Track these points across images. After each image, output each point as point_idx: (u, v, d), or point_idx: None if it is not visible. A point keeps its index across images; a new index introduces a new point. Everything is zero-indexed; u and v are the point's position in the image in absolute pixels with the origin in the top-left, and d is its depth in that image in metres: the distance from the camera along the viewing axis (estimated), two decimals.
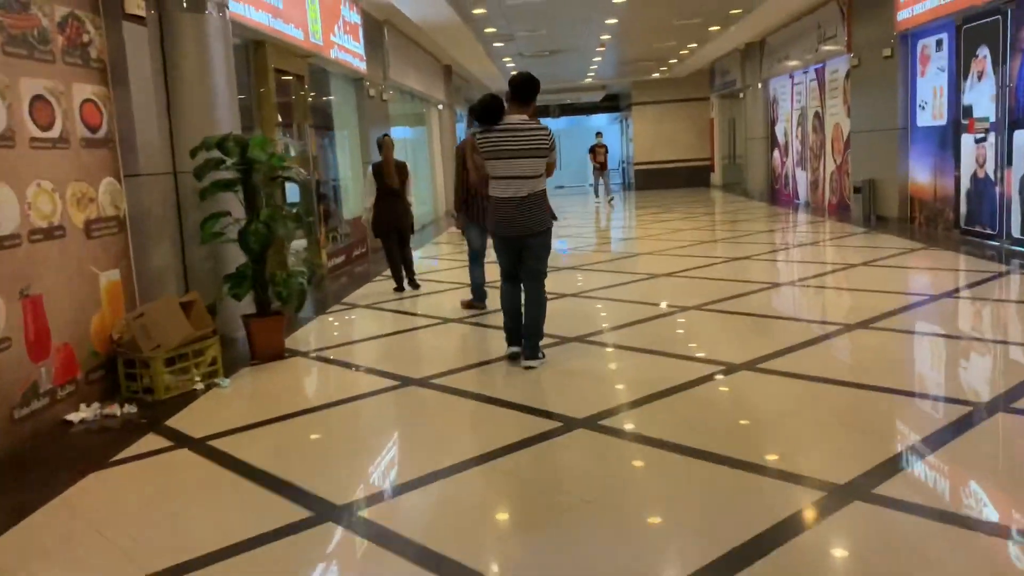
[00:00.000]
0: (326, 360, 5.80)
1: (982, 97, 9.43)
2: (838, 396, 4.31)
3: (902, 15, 11.15)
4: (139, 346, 4.87)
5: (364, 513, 3.21)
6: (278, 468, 3.68)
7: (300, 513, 3.20)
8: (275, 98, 8.33)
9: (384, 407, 4.69)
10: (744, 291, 7.34)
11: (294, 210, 6.25)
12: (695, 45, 19.07)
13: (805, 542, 2.76)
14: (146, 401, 4.86)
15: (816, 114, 15.56)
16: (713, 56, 21.56)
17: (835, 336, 5.57)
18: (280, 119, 8.66)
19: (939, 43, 10.51)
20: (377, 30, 12.80)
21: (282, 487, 3.47)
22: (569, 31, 16.00)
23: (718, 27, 16.49)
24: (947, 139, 10.40)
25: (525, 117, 5.09)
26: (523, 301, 5.27)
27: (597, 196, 22.26)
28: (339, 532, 3.05)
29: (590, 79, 25.35)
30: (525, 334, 5.19)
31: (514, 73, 5.34)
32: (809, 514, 2.96)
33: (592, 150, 22.58)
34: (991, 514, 2.94)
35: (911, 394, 4.36)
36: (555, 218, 5.38)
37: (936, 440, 3.59)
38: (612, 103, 31.74)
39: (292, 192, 8.56)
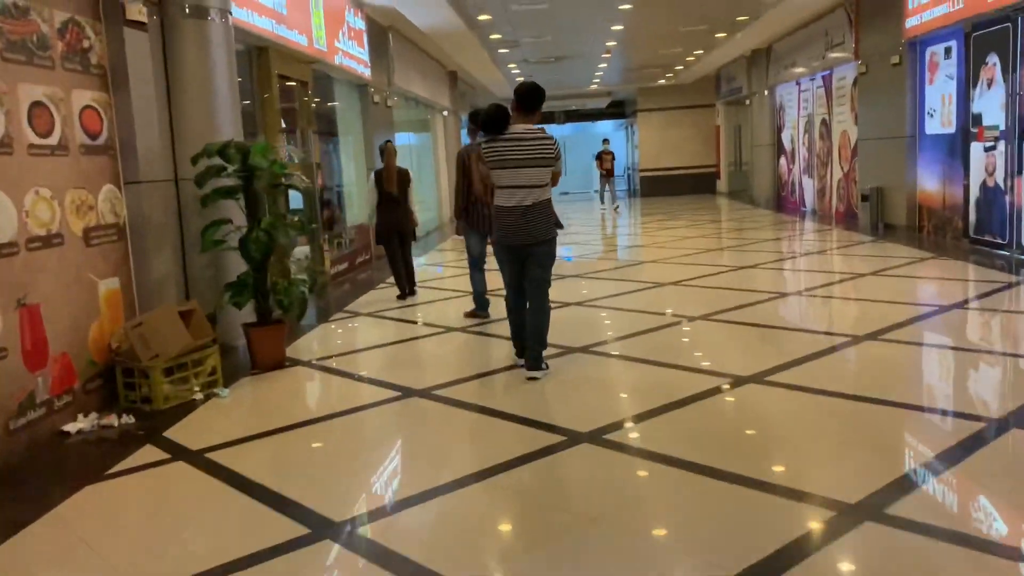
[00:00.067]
0: (327, 369, 5.73)
1: (992, 105, 9.33)
2: (847, 410, 4.22)
3: (910, 22, 11.07)
4: (137, 355, 4.81)
5: (362, 530, 3.14)
6: (276, 482, 3.62)
7: (298, 530, 3.13)
8: (279, 104, 8.28)
9: (385, 419, 4.61)
10: (751, 301, 7.26)
11: (296, 217, 6.19)
12: (701, 52, 19.01)
13: (815, 565, 2.67)
14: (144, 411, 4.80)
15: (823, 121, 15.47)
16: (719, 63, 21.50)
17: (844, 348, 5.48)
18: (284, 125, 8.62)
19: (948, 50, 10.43)
20: (382, 36, 12.77)
21: (280, 502, 3.40)
22: (575, 37, 15.96)
23: (724, 34, 16.43)
24: (956, 147, 10.30)
25: (530, 126, 5.08)
26: (526, 310, 5.21)
27: (603, 203, 22.19)
28: (337, 550, 2.97)
29: (595, 86, 25.31)
30: (528, 344, 5.13)
31: (520, 82, 5.32)
32: (819, 535, 2.87)
33: (599, 156, 22.53)
34: (1007, 535, 2.85)
35: (922, 409, 4.27)
36: (561, 226, 5.37)
37: (949, 457, 3.50)
38: (618, 109, 31.69)
39: (296, 199, 8.52)
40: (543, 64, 19.29)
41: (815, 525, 2.95)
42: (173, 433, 4.41)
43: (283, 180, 6.01)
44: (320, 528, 3.13)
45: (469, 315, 7.12)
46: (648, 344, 5.92)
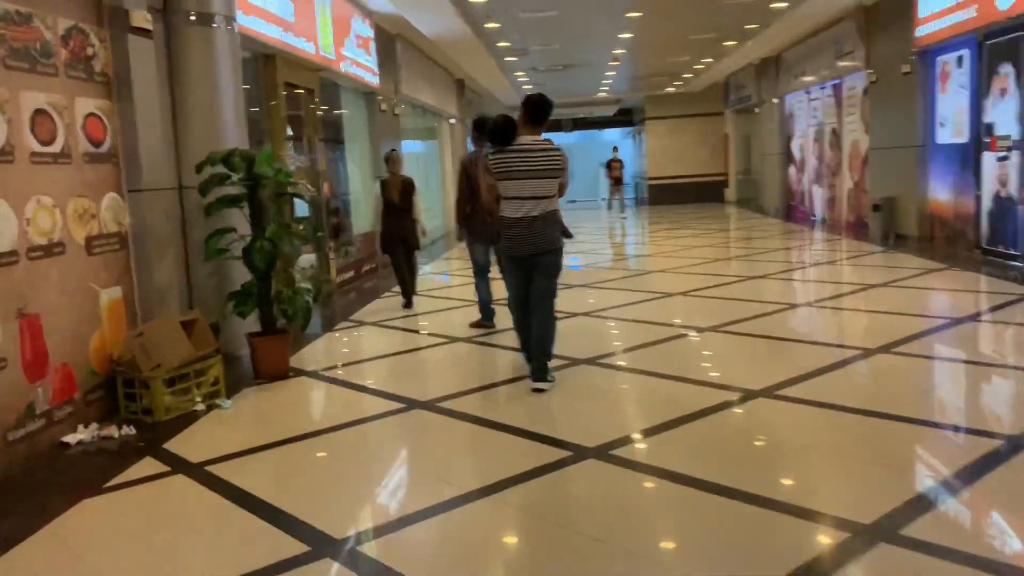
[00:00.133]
0: (331, 380, 5.67)
1: (1005, 115, 9.23)
2: (860, 426, 4.13)
3: (921, 31, 10.99)
4: (139, 366, 4.76)
5: (363, 548, 3.06)
6: (276, 497, 3.55)
7: (297, 547, 3.06)
8: (285, 112, 8.25)
9: (388, 432, 4.54)
10: (760, 312, 7.17)
11: (300, 226, 6.14)
12: (710, 60, 18.95)
13: None
14: (145, 422, 4.74)
15: (833, 130, 15.38)
16: (728, 71, 21.44)
17: (855, 361, 5.39)
18: (290, 133, 8.59)
19: (960, 60, 10.33)
20: (389, 44, 12.75)
21: (279, 517, 3.34)
22: (583, 45, 15.93)
23: (734, 42, 16.38)
24: (968, 157, 10.20)
25: (537, 138, 5.07)
26: (533, 321, 5.15)
27: (611, 210, 22.15)
28: (336, 569, 2.90)
29: (603, 93, 25.27)
30: (533, 355, 5.08)
31: (528, 93, 5.30)
32: (832, 557, 2.79)
33: (608, 164, 22.48)
34: None
35: (936, 424, 4.18)
36: (569, 235, 5.36)
37: (965, 475, 3.41)
38: (625, 117, 31.64)
39: (302, 207, 8.48)
40: (551, 72, 19.26)
41: (828, 546, 2.87)
42: (173, 445, 4.35)
43: (288, 189, 5.97)
44: (320, 545, 3.06)
45: (474, 325, 7.05)
46: (656, 356, 5.84)
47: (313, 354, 6.47)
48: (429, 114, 17.06)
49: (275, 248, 5.50)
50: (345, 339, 7.18)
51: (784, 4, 12.64)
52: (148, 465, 4.07)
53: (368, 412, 4.83)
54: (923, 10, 10.88)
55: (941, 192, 11.12)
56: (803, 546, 2.88)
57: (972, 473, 3.44)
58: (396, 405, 4.89)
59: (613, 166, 22.31)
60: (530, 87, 21.89)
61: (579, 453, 3.86)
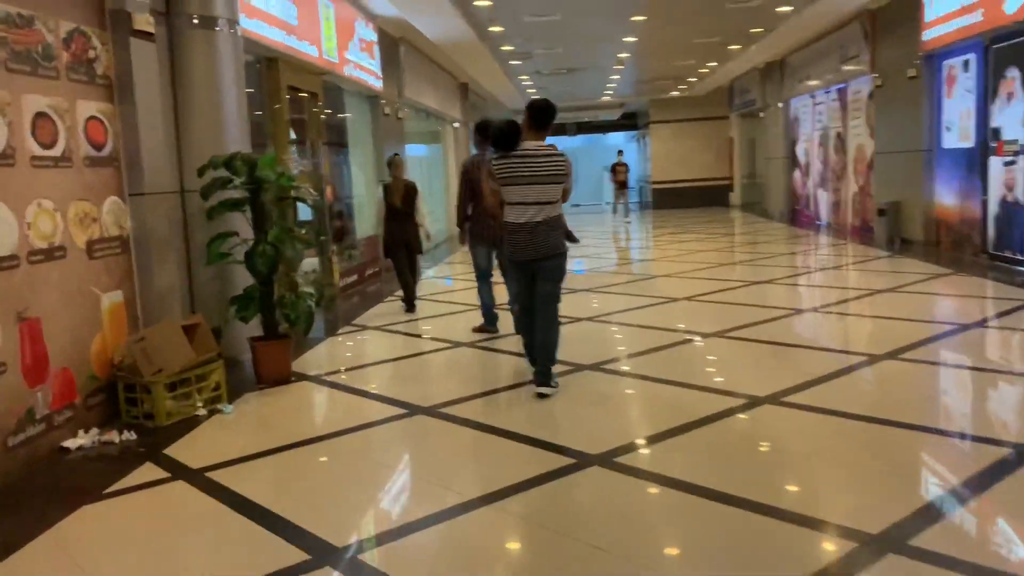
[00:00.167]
0: (333, 385, 5.63)
1: (1011, 119, 9.18)
2: (866, 433, 4.08)
3: (928, 35, 10.94)
4: (140, 370, 4.73)
5: (364, 557, 3.03)
6: (276, 504, 3.51)
7: (297, 555, 3.03)
8: (288, 115, 8.23)
9: (389, 438, 4.51)
10: (766, 317, 7.12)
11: (303, 230, 6.11)
12: (715, 64, 18.91)
13: None
14: (146, 427, 4.71)
15: (838, 134, 15.32)
16: (733, 75, 21.39)
17: (862, 367, 5.34)
18: (293, 137, 8.57)
19: (966, 64, 10.28)
20: (393, 47, 12.73)
21: (280, 525, 3.30)
22: (587, 49, 15.90)
23: (739, 46, 16.34)
24: (974, 162, 10.14)
25: (541, 143, 5.06)
26: (536, 325, 5.12)
27: (616, 213, 22.11)
28: None
29: (608, 97, 25.24)
30: (537, 359, 5.06)
31: (533, 99, 5.30)
32: (839, 568, 2.74)
33: (613, 168, 22.44)
34: None
35: (943, 432, 4.13)
36: (576, 240, 5.38)
37: (974, 484, 3.37)
38: (630, 121, 31.60)
39: (305, 211, 8.46)
40: (555, 76, 19.23)
41: (835, 557, 2.83)
42: (174, 451, 4.32)
43: (291, 193, 5.95)
44: (321, 553, 3.03)
45: (477, 330, 7.02)
46: (660, 361, 5.80)
47: (315, 358, 6.44)
48: (433, 118, 17.04)
49: (277, 252, 5.47)
50: (347, 343, 7.15)
51: (789, 8, 12.61)
52: (148, 471, 4.04)
53: (370, 417, 4.80)
54: (929, 14, 10.84)
55: (947, 197, 11.07)
56: (810, 556, 2.84)
57: (981, 482, 3.39)
58: (398, 410, 4.85)
59: (618, 170, 22.26)
60: (534, 91, 21.88)
61: (583, 460, 3.82)
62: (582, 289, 9.20)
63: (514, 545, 3.12)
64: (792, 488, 3.50)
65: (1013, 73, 9.11)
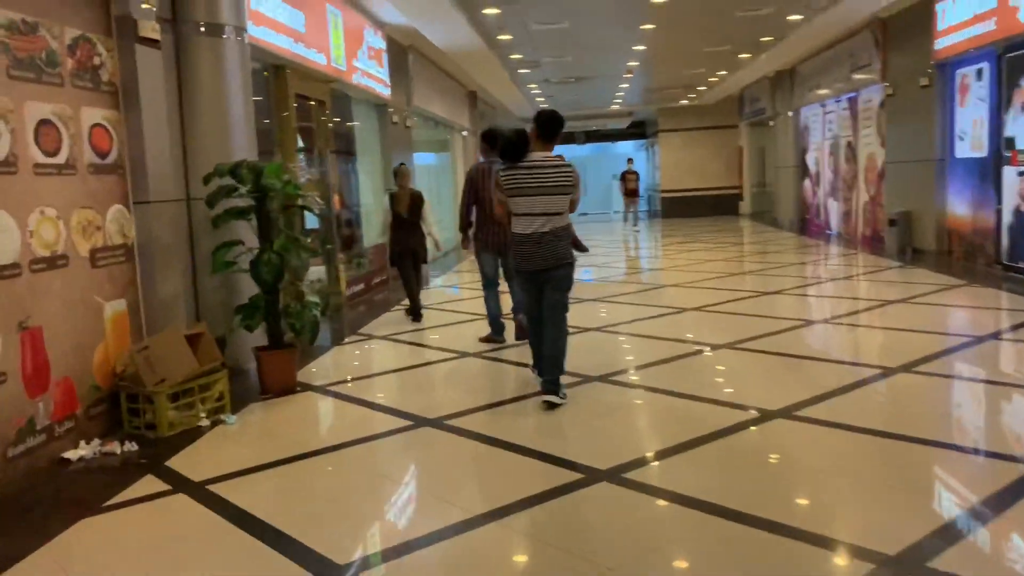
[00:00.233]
0: (338, 395, 5.57)
1: None
2: (882, 449, 3.99)
3: (940, 43, 10.85)
4: (142, 380, 4.67)
5: (366, 575, 2.95)
6: (278, 518, 3.44)
7: (297, 573, 2.96)
8: (296, 123, 8.20)
9: (394, 451, 4.43)
10: (777, 328, 7.02)
11: (309, 239, 6.06)
12: (724, 72, 18.85)
13: None
14: (148, 438, 4.65)
15: (849, 143, 15.22)
16: (742, 84, 21.32)
17: (875, 380, 5.24)
18: (301, 144, 8.53)
19: (979, 72, 10.18)
20: (402, 55, 12.71)
21: (281, 541, 3.23)
22: (596, 57, 15.86)
23: (748, 55, 16.27)
24: (988, 171, 10.03)
25: (548, 154, 5.05)
26: (545, 335, 5.09)
27: (626, 222, 22.03)
28: None
29: (616, 106, 25.19)
30: (545, 367, 5.01)
31: (540, 109, 5.30)
32: None
33: (622, 177, 22.34)
34: None
35: (961, 448, 4.03)
36: (584, 249, 5.34)
37: (995, 503, 3.27)
38: (639, 130, 31.54)
39: (312, 219, 8.43)
40: (564, 84, 19.20)
41: None
42: (176, 462, 4.26)
43: (298, 201, 5.90)
44: (322, 571, 2.96)
45: (484, 340, 6.95)
46: (670, 373, 5.71)
47: (321, 368, 6.38)
48: (441, 126, 17.01)
49: (282, 261, 5.42)
50: (353, 353, 7.09)
51: (799, 16, 12.53)
52: (149, 483, 3.98)
53: (375, 429, 4.73)
54: (942, 23, 10.76)
55: (960, 206, 10.95)
56: None
57: (1001, 501, 3.29)
58: (403, 422, 4.78)
59: (628, 178, 22.17)
60: (543, 99, 21.85)
61: (591, 475, 3.74)
62: (590, 299, 9.11)
63: (520, 563, 3.04)
64: (806, 506, 3.41)
65: None
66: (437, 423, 4.71)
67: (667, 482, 3.68)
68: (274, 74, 7.91)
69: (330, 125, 9.40)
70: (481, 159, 7.06)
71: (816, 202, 17.62)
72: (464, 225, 6.94)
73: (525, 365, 5.81)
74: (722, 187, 25.56)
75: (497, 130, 6.68)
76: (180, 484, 3.94)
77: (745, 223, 21.61)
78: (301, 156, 8.56)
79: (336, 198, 9.66)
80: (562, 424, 4.64)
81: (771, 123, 20.66)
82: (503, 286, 6.91)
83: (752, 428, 4.36)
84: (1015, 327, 6.93)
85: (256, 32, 6.71)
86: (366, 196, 11.51)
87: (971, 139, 10.49)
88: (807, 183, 18.32)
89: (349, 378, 6.09)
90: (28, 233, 4.18)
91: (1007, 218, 9.60)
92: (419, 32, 11.94)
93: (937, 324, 7.28)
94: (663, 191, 26.43)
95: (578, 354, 5.80)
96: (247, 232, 5.64)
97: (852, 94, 14.80)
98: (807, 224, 18.13)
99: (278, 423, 5.03)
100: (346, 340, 7.52)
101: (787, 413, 4.54)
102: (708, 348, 6.37)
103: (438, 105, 15.41)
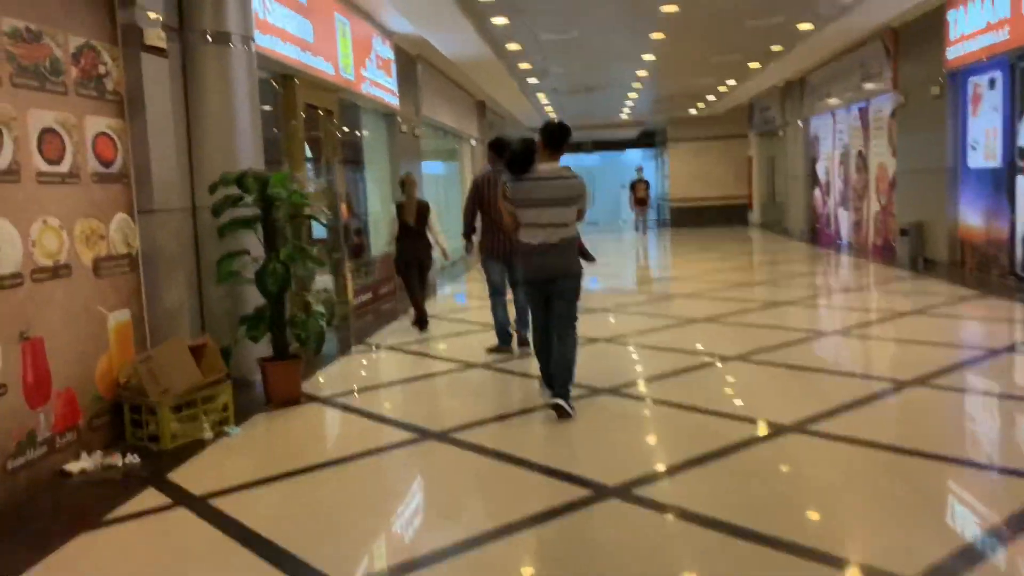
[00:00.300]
0: (343, 407, 5.50)
1: None
2: (899, 465, 3.89)
3: (952, 52, 10.76)
4: (145, 391, 4.62)
5: None
6: (279, 535, 3.37)
7: None
8: (304, 132, 8.16)
9: (399, 465, 4.36)
10: (788, 340, 6.93)
11: (315, 248, 6.00)
12: (734, 82, 18.77)
13: None
14: (151, 450, 4.59)
15: (859, 153, 15.12)
16: (752, 93, 21.23)
17: (890, 394, 5.14)
18: (309, 154, 8.50)
19: (992, 82, 10.08)
20: (410, 65, 12.69)
21: (281, 558, 3.16)
22: (605, 67, 15.82)
23: (758, 64, 16.19)
24: (1001, 181, 9.91)
25: (555, 165, 5.04)
26: (555, 346, 5.06)
27: (637, 231, 21.95)
28: None
29: (625, 115, 25.14)
30: (554, 372, 4.99)
31: (547, 121, 5.29)
32: None
33: (632, 186, 22.26)
34: None
35: (980, 466, 3.93)
36: (592, 259, 5.40)
37: (1017, 523, 3.17)
38: (648, 139, 31.47)
39: (320, 229, 8.38)
40: (573, 95, 19.15)
41: None
42: (178, 475, 4.19)
43: (304, 211, 5.85)
44: None
45: (492, 350, 6.87)
46: (680, 386, 5.62)
47: (327, 379, 6.32)
48: (450, 135, 16.99)
49: (288, 271, 5.36)
50: (360, 363, 7.03)
51: (810, 26, 12.46)
52: (150, 497, 3.91)
53: (379, 442, 4.66)
54: (954, 32, 10.66)
55: (973, 217, 10.83)
56: None
57: (1022, 521, 3.19)
58: (408, 435, 4.71)
59: (638, 187, 22.09)
60: (552, 109, 21.82)
61: (600, 492, 3.66)
62: (599, 309, 9.03)
63: None
64: (822, 525, 3.32)
65: None
66: (442, 436, 4.64)
67: (678, 499, 3.59)
68: (282, 83, 7.87)
69: (338, 134, 9.37)
70: (488, 167, 7.02)
71: (826, 212, 17.51)
72: (467, 231, 6.98)
73: (533, 377, 5.73)
74: (731, 197, 25.44)
75: (505, 139, 6.65)
76: (181, 498, 3.88)
77: (755, 233, 21.49)
78: (309, 165, 8.52)
79: (344, 207, 9.62)
80: (570, 438, 4.56)
81: (781, 133, 20.57)
82: (510, 295, 6.85)
83: (764, 443, 4.27)
84: None
85: (264, 41, 6.68)
86: (374, 205, 11.47)
87: (984, 149, 10.38)
88: (817, 193, 18.21)
89: (354, 389, 6.02)
90: (30, 242, 4.14)
91: (1021, 229, 9.49)
92: (427, 42, 11.91)
93: (951, 336, 7.17)
94: (672, 201, 26.34)
95: (586, 365, 5.72)
96: (253, 242, 5.59)
97: (863, 103, 14.71)
98: (817, 234, 18.01)
99: (282, 435, 4.97)
100: (352, 350, 7.46)
101: (800, 428, 4.45)
102: (719, 360, 6.28)
103: (447, 114, 15.39)
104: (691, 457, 4.05)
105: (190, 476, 4.19)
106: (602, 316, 8.65)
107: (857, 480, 3.76)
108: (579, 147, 29.19)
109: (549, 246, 4.90)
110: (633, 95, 20.20)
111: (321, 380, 6.25)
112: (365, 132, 11.19)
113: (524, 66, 14.99)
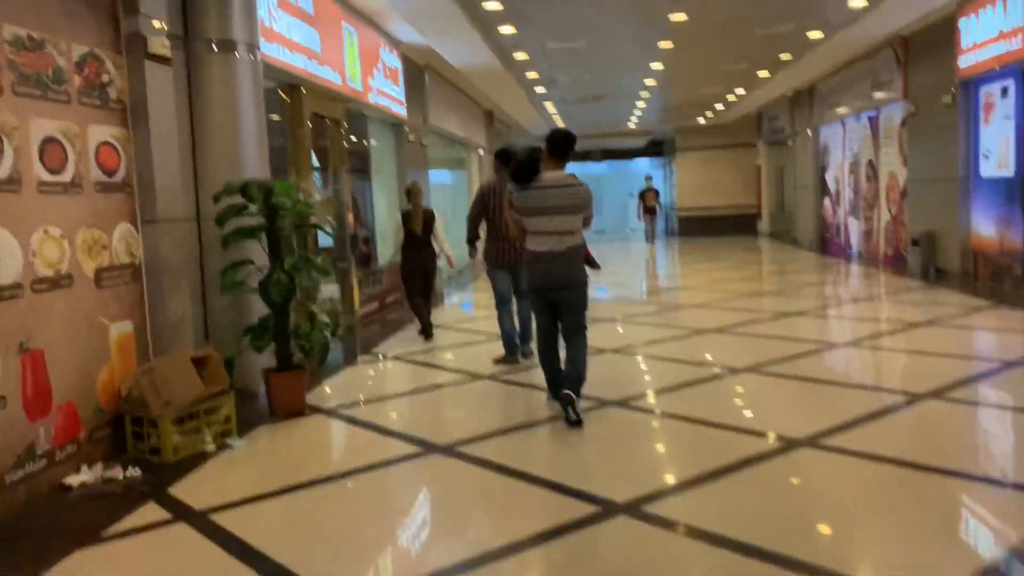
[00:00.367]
0: (347, 419, 5.43)
1: None
2: (915, 482, 3.79)
3: (964, 61, 10.66)
4: (147, 403, 4.55)
5: None
6: (280, 551, 3.29)
7: None
8: (311, 142, 8.12)
9: (403, 479, 4.28)
10: (799, 351, 6.83)
11: (319, 258, 5.94)
12: (742, 91, 18.70)
13: None
14: (152, 463, 4.52)
15: (869, 162, 15.01)
16: (761, 102, 21.15)
17: (904, 407, 5.04)
18: (316, 163, 8.46)
19: (1004, 90, 9.98)
20: (417, 74, 12.67)
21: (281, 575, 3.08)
22: (613, 76, 15.77)
23: (767, 73, 16.12)
24: (1015, 191, 9.79)
25: (561, 173, 5.04)
26: (565, 356, 5.07)
27: (648, 241, 21.87)
28: None
29: (633, 124, 25.09)
30: (566, 376, 4.97)
31: (553, 129, 5.29)
32: None
33: (641, 195, 22.18)
34: None
35: (999, 483, 3.83)
36: (598, 267, 5.41)
37: None
38: (656, 148, 31.40)
39: (326, 238, 8.33)
40: (580, 104, 19.11)
41: None
42: (179, 489, 4.13)
43: (308, 220, 5.79)
44: None
45: (499, 361, 6.80)
46: (690, 399, 5.53)
47: (332, 390, 6.25)
48: (457, 145, 16.96)
49: (292, 281, 5.31)
50: (365, 374, 6.96)
51: (820, 34, 12.39)
52: (150, 511, 3.85)
53: (383, 456, 4.58)
54: (966, 40, 10.57)
55: (985, 226, 10.71)
56: None
57: None
58: (413, 448, 4.63)
59: (647, 196, 22.01)
60: (560, 118, 21.78)
61: (608, 508, 3.57)
62: (607, 318, 8.94)
63: None
64: (834, 542, 3.23)
65: None
66: (448, 450, 4.56)
67: (688, 516, 3.50)
68: (289, 93, 7.84)
69: (345, 144, 9.33)
70: (495, 177, 6.97)
71: (836, 221, 17.38)
72: (471, 238, 7.00)
73: (540, 388, 5.65)
74: (741, 206, 25.32)
75: (511, 148, 6.62)
76: (182, 513, 3.81)
77: (764, 242, 21.38)
78: (316, 175, 8.48)
79: (351, 216, 9.57)
80: (578, 452, 4.48)
81: (790, 142, 20.46)
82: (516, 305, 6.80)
83: (776, 457, 4.18)
84: None
85: (271, 51, 6.64)
86: (381, 214, 11.42)
87: (997, 158, 10.27)
88: (827, 202, 18.09)
89: (359, 401, 5.96)
90: (31, 252, 4.09)
91: None
92: (435, 51, 11.89)
93: (965, 348, 7.06)
94: (681, 210, 26.25)
95: (594, 377, 5.64)
96: (258, 251, 5.53)
97: (873, 112, 14.61)
98: (827, 244, 17.89)
99: (285, 448, 4.90)
100: (358, 360, 7.40)
101: (812, 442, 4.35)
102: (729, 372, 6.18)
103: (454, 124, 15.36)
104: (701, 472, 3.96)
105: (191, 490, 4.12)
106: (610, 326, 8.57)
107: (871, 496, 3.66)
108: (587, 156, 29.16)
109: (556, 254, 4.89)
110: (641, 104, 20.15)
111: (327, 391, 6.19)
112: (372, 141, 11.16)
113: (532, 75, 14.96)
